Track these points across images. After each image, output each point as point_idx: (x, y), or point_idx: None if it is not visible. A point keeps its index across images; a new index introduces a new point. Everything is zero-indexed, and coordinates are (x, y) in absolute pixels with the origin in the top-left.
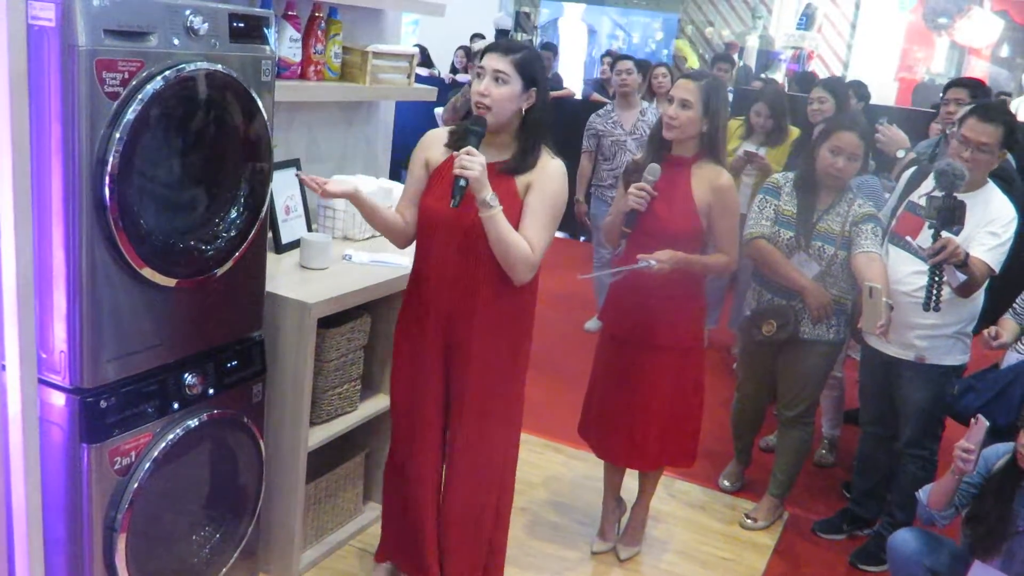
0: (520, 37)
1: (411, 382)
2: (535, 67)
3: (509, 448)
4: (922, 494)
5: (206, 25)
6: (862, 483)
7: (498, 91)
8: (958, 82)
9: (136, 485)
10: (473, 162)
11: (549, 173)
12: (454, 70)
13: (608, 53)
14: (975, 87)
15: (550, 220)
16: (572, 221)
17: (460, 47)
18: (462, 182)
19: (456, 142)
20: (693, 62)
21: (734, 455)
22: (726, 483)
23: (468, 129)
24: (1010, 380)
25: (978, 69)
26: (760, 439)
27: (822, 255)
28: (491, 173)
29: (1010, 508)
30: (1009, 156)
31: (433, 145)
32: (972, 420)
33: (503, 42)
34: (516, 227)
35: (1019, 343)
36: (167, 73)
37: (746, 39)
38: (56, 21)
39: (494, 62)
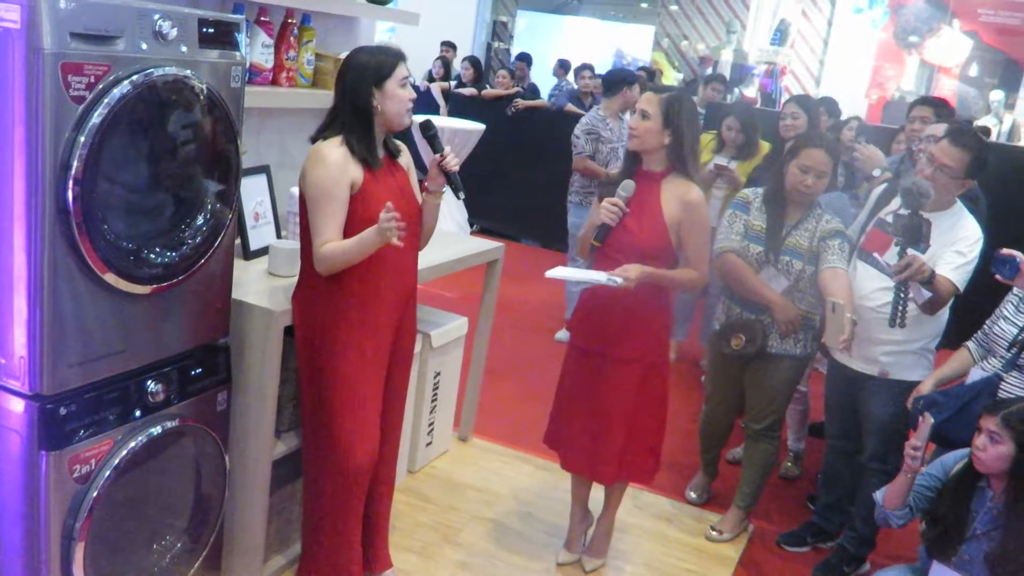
0: (497, 46)
1: (370, 384)
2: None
3: None
4: (878, 495)
5: (175, 30)
6: (826, 496)
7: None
8: (924, 100)
9: (95, 493)
10: (454, 156)
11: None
12: (430, 78)
13: (584, 67)
14: (940, 106)
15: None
16: (540, 229)
17: (438, 57)
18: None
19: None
20: (668, 75)
21: (701, 467)
22: (693, 495)
23: (432, 134)
24: (972, 396)
25: (947, 87)
26: (727, 451)
27: (790, 270)
28: (391, 165)
29: (967, 510)
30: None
31: (347, 166)
32: (919, 418)
33: (400, 51)
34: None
35: (984, 361)
36: (134, 78)
37: (720, 53)
38: (21, 23)
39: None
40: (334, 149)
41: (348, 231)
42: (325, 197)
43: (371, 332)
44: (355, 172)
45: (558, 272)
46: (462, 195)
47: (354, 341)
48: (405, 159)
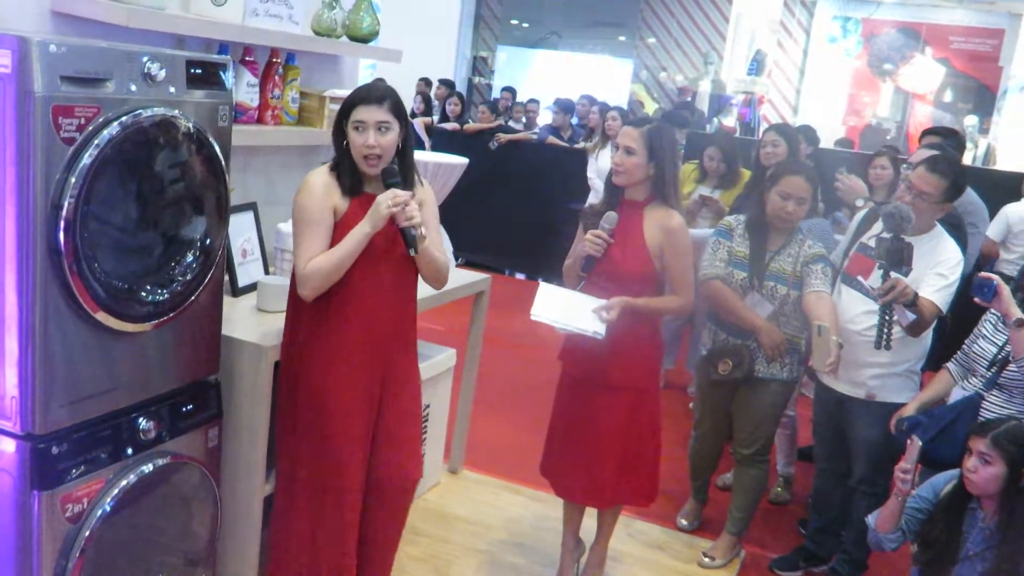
0: (478, 81)
1: (350, 413)
2: (402, 106)
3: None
4: (870, 519)
5: (163, 72)
6: (817, 520)
7: (385, 139)
8: (933, 131)
9: (88, 533)
10: (414, 208)
11: (426, 187)
12: (412, 114)
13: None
14: (949, 135)
15: (439, 223)
16: (525, 260)
17: (418, 92)
18: (414, 232)
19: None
20: (649, 107)
21: (691, 494)
22: (684, 522)
23: (391, 183)
24: (955, 417)
25: (922, 114)
26: (717, 477)
27: (775, 295)
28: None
29: (959, 532)
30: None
31: (330, 192)
32: (908, 441)
33: (373, 91)
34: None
35: (965, 380)
36: (124, 119)
37: (698, 84)
38: (12, 67)
39: (375, 114)
40: (320, 176)
41: None
42: (306, 220)
43: (344, 360)
44: (338, 199)
45: (543, 316)
46: (412, 252)
47: (326, 364)
48: (416, 196)
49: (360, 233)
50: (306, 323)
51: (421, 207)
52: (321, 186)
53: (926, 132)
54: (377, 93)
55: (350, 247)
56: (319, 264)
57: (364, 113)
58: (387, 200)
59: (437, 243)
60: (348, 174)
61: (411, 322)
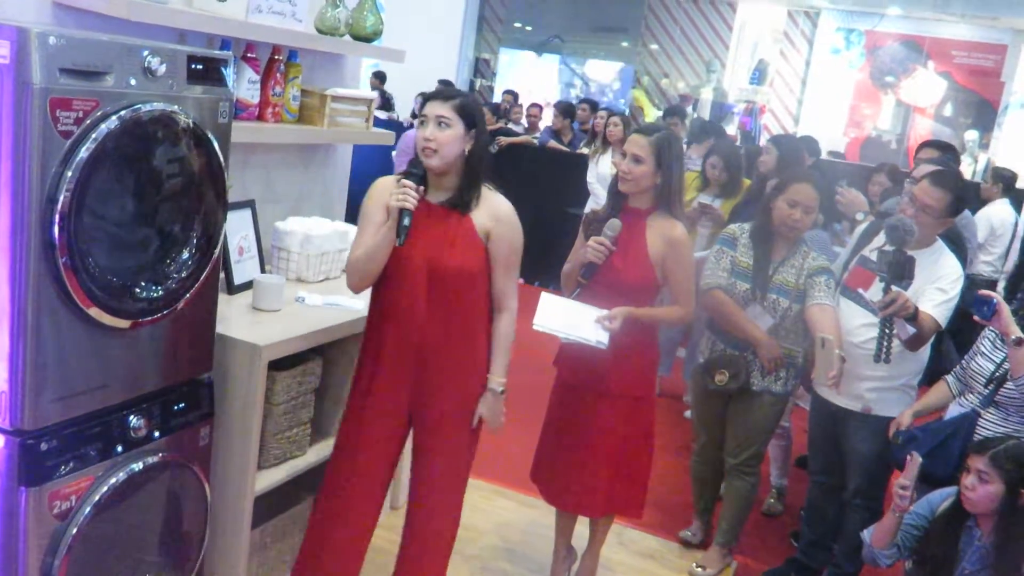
0: (480, 83)
1: (368, 423)
2: (475, 112)
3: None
4: (866, 534)
5: (164, 66)
6: (810, 532)
7: (443, 135)
8: (930, 143)
9: (75, 530)
10: (407, 192)
11: (506, 220)
12: (414, 115)
13: (585, 101)
14: (946, 148)
15: (517, 266)
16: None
17: (420, 94)
18: (406, 221)
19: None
20: (649, 113)
21: (695, 515)
22: (687, 534)
23: (407, 172)
24: (950, 433)
25: (923, 127)
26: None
27: (776, 307)
28: (444, 213)
29: (955, 550)
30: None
31: (388, 189)
32: (907, 457)
33: (443, 89)
34: (477, 265)
35: (962, 397)
36: (122, 113)
37: (700, 91)
38: (11, 58)
39: (436, 109)
40: (388, 177)
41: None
42: (360, 216)
43: (370, 376)
44: (389, 198)
45: (546, 325)
46: (398, 241)
47: (358, 382)
48: (482, 215)
49: (384, 228)
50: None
51: (488, 239)
52: (382, 186)
53: (923, 145)
54: (447, 92)
55: (374, 240)
56: (351, 257)
57: (429, 108)
58: (396, 192)
59: (504, 291)
60: (418, 177)
61: (459, 339)
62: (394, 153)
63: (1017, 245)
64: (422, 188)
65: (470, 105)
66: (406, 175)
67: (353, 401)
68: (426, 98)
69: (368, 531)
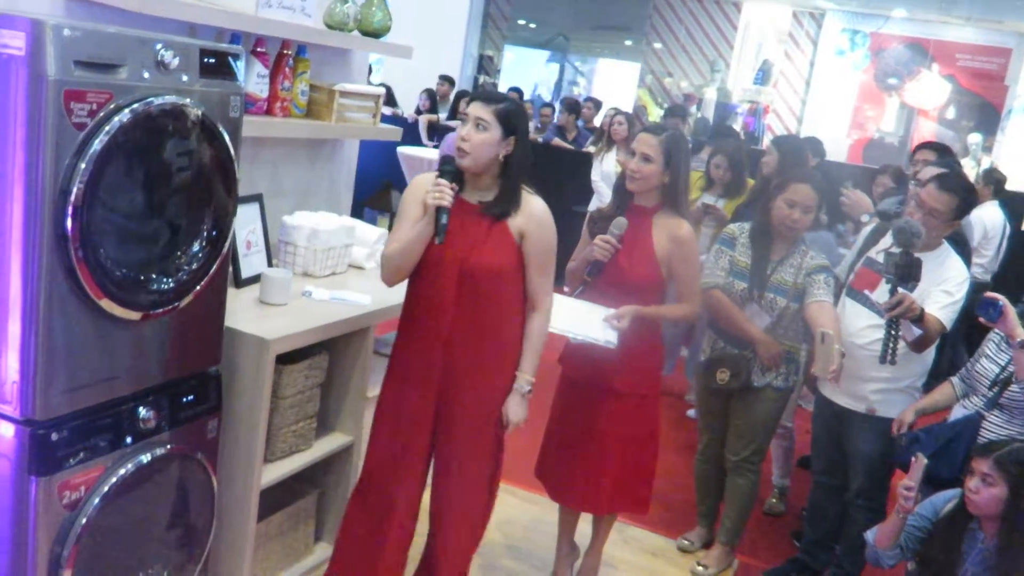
0: (483, 80)
1: (400, 411)
2: (516, 119)
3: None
4: (869, 535)
5: (177, 60)
6: (812, 532)
7: (478, 136)
8: (926, 145)
9: (84, 520)
10: (444, 190)
11: (541, 220)
12: (418, 111)
13: (589, 99)
14: (942, 150)
15: (552, 265)
16: None
17: (424, 90)
18: (444, 220)
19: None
20: (652, 112)
21: (697, 520)
22: (685, 543)
23: (440, 169)
24: (954, 435)
25: (926, 130)
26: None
27: (773, 307)
28: (478, 215)
29: (958, 552)
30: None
31: (425, 186)
32: (912, 459)
33: (488, 92)
34: (513, 267)
35: (966, 399)
36: (135, 106)
37: (704, 91)
38: (26, 50)
39: (477, 110)
40: (427, 174)
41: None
42: (398, 211)
43: (403, 366)
44: (426, 196)
45: (554, 325)
46: (437, 240)
47: (392, 372)
48: (518, 221)
49: (420, 224)
50: (401, 315)
51: (522, 239)
52: (419, 183)
53: (920, 147)
54: (491, 95)
55: (409, 236)
56: (386, 252)
57: (471, 108)
58: (433, 190)
59: (538, 290)
60: (450, 176)
61: (486, 337)
62: (401, 149)
63: (1006, 246)
64: (456, 186)
65: (512, 112)
66: (441, 173)
67: (386, 390)
68: (471, 98)
69: (411, 517)
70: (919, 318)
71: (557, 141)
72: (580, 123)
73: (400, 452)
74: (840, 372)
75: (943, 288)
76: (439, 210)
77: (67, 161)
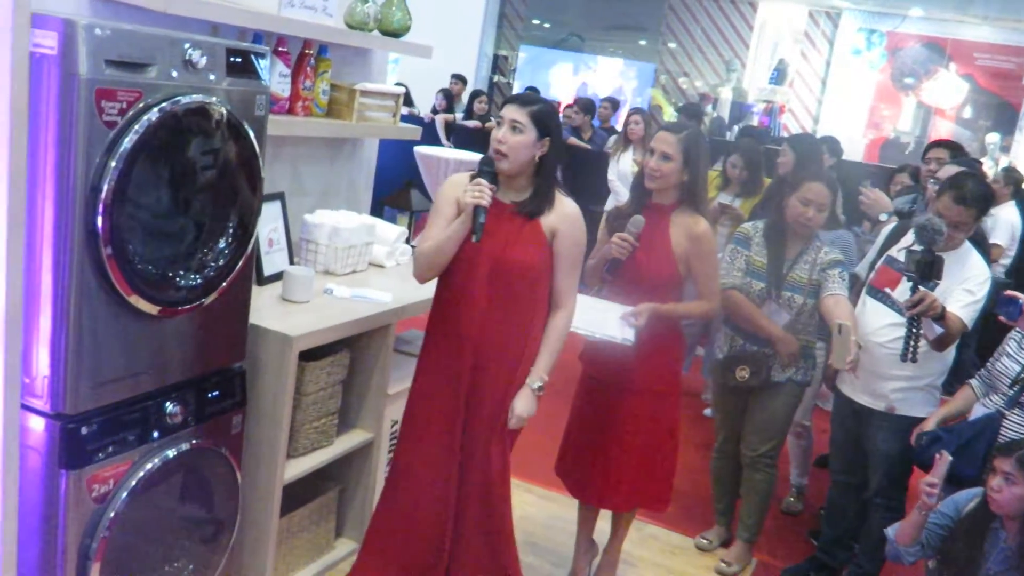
0: (498, 80)
1: (432, 407)
2: (550, 120)
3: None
4: (890, 531)
5: (204, 59)
6: (830, 531)
7: (514, 139)
8: (939, 143)
9: (113, 513)
10: (483, 190)
11: (573, 220)
12: (435, 110)
13: (609, 98)
14: (955, 148)
15: (579, 265)
16: None
17: (441, 89)
18: (481, 218)
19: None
20: (667, 112)
21: (715, 518)
22: (704, 542)
23: (480, 169)
24: (975, 434)
25: (943, 129)
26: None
27: (792, 304)
28: (512, 214)
29: (980, 551)
30: None
31: (460, 185)
32: (936, 456)
33: (524, 94)
34: (544, 265)
35: (986, 398)
36: (164, 104)
37: (719, 91)
38: (58, 49)
39: (512, 112)
40: (462, 174)
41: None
42: (432, 209)
43: (433, 361)
44: (463, 195)
45: (573, 324)
46: (474, 238)
47: (422, 367)
48: (551, 220)
49: (456, 223)
50: (431, 310)
51: (554, 238)
52: (455, 180)
53: (931, 145)
54: (525, 97)
55: (444, 235)
56: (420, 248)
57: (506, 110)
58: (472, 190)
59: (564, 288)
60: (487, 176)
61: (514, 335)
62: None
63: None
64: (495, 187)
65: (547, 114)
66: (479, 173)
67: (417, 387)
68: (505, 100)
69: (445, 514)
70: (940, 316)
71: (573, 140)
72: (596, 123)
73: (432, 447)
74: (857, 363)
75: (965, 287)
76: (477, 209)
77: (98, 159)
